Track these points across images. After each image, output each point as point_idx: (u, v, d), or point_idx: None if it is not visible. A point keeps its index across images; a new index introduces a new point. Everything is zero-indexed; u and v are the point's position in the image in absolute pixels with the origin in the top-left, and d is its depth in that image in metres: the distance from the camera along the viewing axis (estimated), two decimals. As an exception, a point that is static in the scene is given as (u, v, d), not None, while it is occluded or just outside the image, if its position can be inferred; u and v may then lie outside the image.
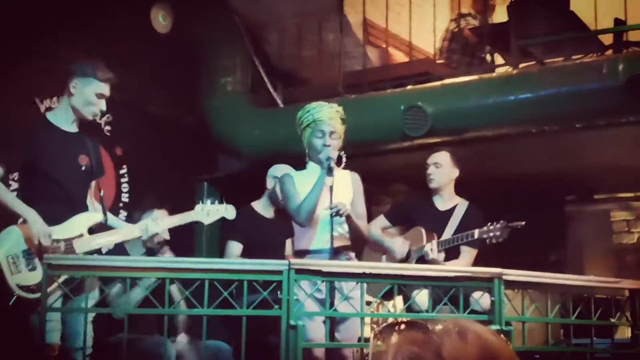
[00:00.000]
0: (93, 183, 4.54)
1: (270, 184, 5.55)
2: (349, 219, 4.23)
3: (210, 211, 4.57)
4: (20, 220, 4.18)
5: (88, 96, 4.34)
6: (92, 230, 4.32)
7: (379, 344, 1.20)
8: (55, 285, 3.91)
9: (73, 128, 4.42)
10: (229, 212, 4.65)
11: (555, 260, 7.52)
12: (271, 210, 5.59)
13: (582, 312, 4.28)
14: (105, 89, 4.38)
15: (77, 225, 4.28)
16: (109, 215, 4.50)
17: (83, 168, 4.41)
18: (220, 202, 4.62)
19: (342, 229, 4.32)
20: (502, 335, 1.21)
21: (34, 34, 5.66)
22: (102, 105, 4.40)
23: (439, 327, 1.15)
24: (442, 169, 5.21)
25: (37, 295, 3.92)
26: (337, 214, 4.12)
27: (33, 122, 4.49)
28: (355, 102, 6.28)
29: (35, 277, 4.00)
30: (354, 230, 4.31)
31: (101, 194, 4.48)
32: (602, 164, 6.61)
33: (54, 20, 5.74)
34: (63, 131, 4.38)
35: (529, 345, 4.67)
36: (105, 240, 4.37)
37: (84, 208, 4.39)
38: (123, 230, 4.43)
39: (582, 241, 7.65)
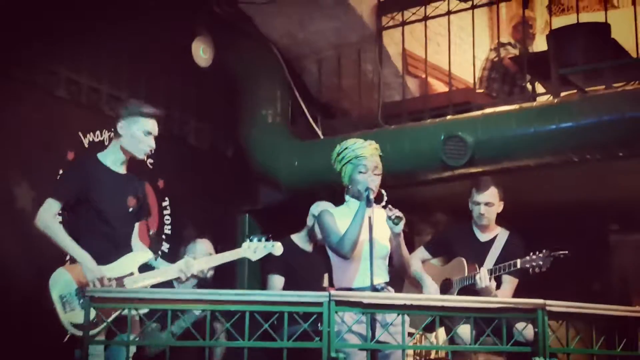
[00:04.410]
0: (137, 224, 4.58)
1: (310, 221, 5.58)
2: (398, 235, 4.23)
3: (257, 248, 4.61)
4: (67, 259, 4.20)
5: (136, 135, 4.37)
6: (140, 269, 4.36)
7: None
8: (104, 324, 3.94)
9: (122, 169, 4.45)
10: (275, 249, 4.68)
11: (599, 290, 7.42)
12: (309, 245, 5.62)
13: (627, 343, 4.21)
14: (151, 125, 4.40)
15: (127, 264, 4.33)
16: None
17: (130, 210, 4.44)
18: (267, 240, 4.64)
19: (383, 264, 4.32)
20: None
21: (78, 70, 5.76)
22: (152, 142, 4.41)
23: None
24: (494, 207, 5.19)
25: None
26: (397, 218, 4.11)
27: (86, 161, 4.50)
28: (395, 132, 6.28)
29: None
30: (399, 253, 4.30)
31: (151, 234, 4.50)
32: (646, 193, 6.53)
33: (95, 55, 5.83)
34: (113, 172, 4.41)
35: (574, 377, 4.60)
36: (154, 280, 4.37)
37: (129, 249, 4.43)
38: (160, 271, 4.43)
39: (627, 271, 7.54)
